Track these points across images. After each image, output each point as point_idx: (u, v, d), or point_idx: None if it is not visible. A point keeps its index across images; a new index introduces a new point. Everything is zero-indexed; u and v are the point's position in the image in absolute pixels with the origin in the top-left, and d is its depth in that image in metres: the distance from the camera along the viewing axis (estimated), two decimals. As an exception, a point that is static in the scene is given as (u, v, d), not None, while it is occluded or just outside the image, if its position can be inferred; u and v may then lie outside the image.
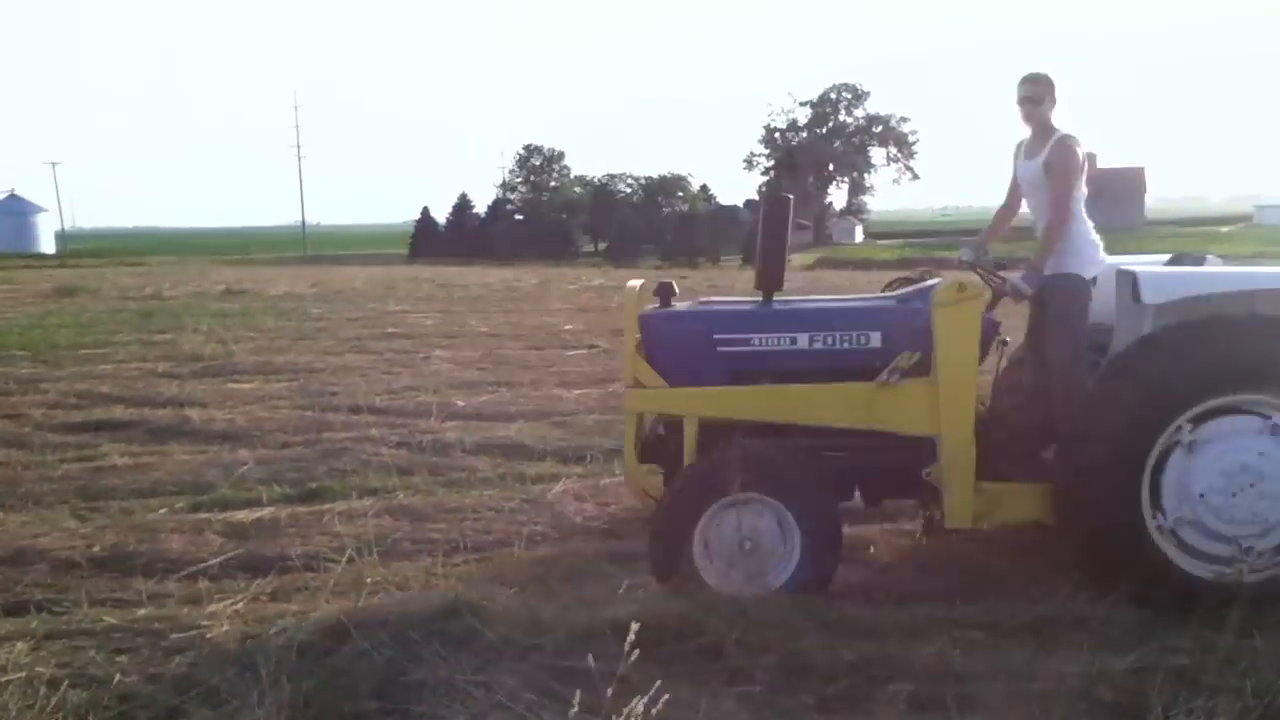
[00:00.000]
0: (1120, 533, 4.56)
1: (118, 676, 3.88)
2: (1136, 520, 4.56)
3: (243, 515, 6.09)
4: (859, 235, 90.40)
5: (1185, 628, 4.29)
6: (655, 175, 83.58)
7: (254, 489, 6.74)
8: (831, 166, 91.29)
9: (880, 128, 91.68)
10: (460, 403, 10.02)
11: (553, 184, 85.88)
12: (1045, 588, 4.73)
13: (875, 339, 4.93)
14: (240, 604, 4.76)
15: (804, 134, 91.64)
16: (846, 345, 4.94)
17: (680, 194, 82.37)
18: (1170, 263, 5.44)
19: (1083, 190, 5.24)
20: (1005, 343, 5.42)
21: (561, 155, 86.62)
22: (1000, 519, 5.01)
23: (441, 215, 78.73)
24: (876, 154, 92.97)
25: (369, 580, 4.94)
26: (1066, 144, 5.17)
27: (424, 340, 15.66)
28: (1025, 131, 5.39)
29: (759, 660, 3.98)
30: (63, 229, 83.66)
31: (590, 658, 3.40)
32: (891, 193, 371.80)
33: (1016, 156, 5.49)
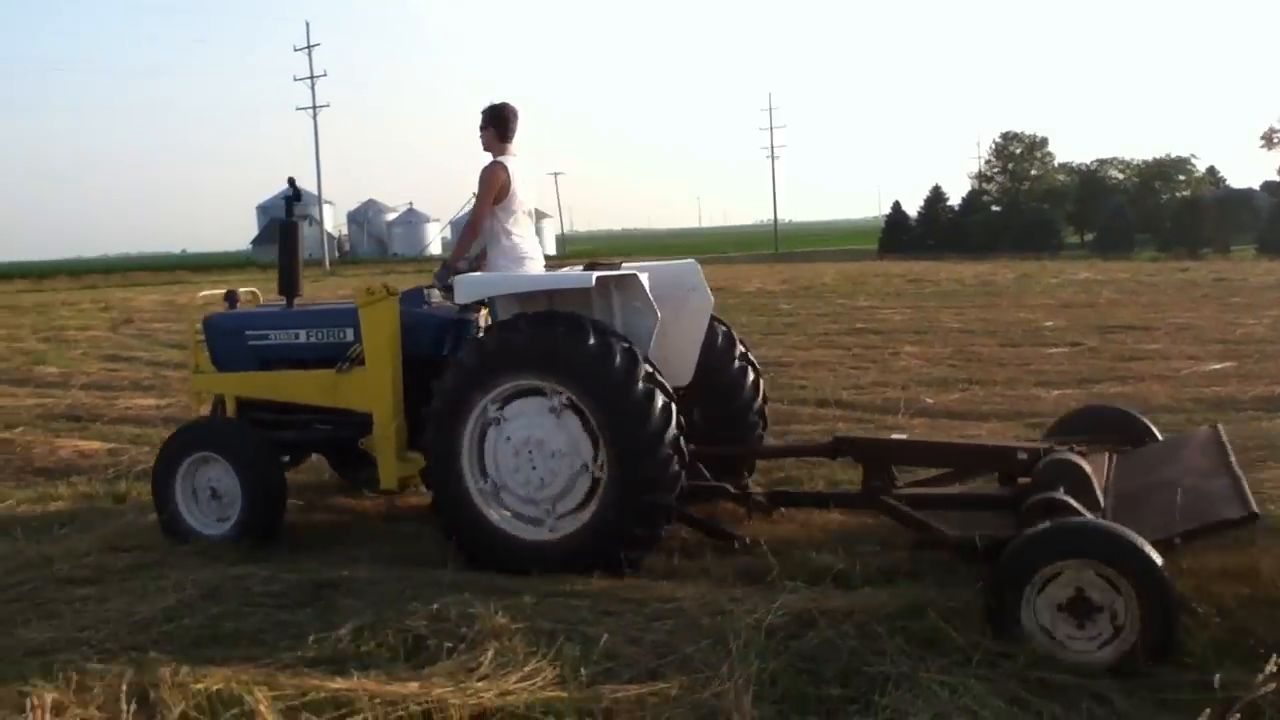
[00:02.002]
0: (455, 501, 5.49)
1: (605, 635, 4.22)
2: (464, 491, 5.46)
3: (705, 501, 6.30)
4: None
5: None
6: (1152, 158, 76.44)
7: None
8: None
9: None
10: (929, 400, 9.86)
11: (1034, 172, 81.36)
12: None
13: (350, 334, 6.24)
14: (706, 585, 5.00)
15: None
16: (331, 339, 6.37)
17: (1182, 178, 74.57)
18: (586, 268, 5.86)
19: (513, 211, 6.07)
20: (480, 330, 6.25)
21: (1044, 141, 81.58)
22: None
23: (913, 209, 77.57)
24: None
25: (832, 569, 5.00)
26: (488, 169, 6.04)
27: (893, 336, 15.57)
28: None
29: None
30: (562, 232, 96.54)
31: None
32: None
33: None
